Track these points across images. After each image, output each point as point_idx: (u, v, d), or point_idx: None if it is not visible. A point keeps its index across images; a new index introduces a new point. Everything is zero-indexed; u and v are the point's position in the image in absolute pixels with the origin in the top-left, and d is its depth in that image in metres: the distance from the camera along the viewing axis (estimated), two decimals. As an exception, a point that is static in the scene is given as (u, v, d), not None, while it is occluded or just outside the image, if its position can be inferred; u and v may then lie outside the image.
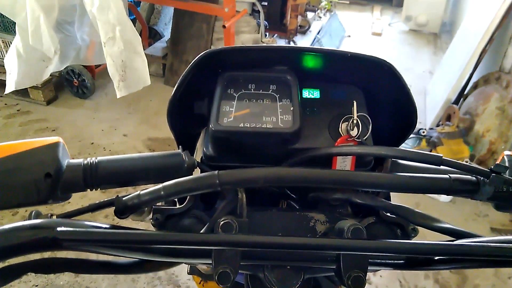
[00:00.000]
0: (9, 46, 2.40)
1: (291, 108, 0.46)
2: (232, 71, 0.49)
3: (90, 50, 2.48)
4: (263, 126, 0.45)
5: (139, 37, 2.04)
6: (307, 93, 0.50)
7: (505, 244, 0.36)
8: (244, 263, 0.39)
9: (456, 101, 2.54)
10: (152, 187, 0.39)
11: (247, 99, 0.48)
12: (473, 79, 2.52)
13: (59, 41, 2.19)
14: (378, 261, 0.41)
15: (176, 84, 0.48)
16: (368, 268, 0.38)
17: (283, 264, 0.43)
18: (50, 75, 2.39)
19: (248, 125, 0.45)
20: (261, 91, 0.48)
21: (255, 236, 0.36)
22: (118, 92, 2.10)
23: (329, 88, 0.50)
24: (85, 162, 0.44)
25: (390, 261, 0.41)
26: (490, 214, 2.13)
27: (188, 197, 0.45)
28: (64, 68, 2.59)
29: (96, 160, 0.44)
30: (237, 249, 0.38)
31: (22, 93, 2.77)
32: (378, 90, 0.50)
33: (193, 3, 2.58)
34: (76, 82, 2.89)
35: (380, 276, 1.81)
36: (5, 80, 2.08)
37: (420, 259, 0.41)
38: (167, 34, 3.43)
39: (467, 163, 0.40)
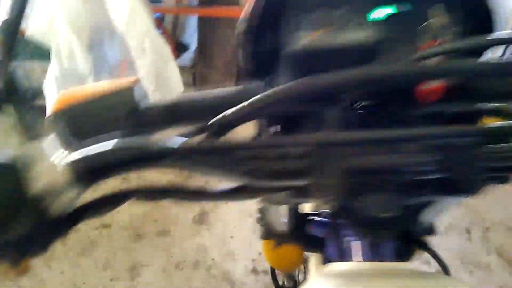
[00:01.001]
0: (46, 72, 2.50)
1: (368, 23, 0.45)
2: None
3: (122, 68, 2.54)
4: (344, 42, 0.43)
5: (168, 46, 2.07)
6: (385, 10, 0.47)
7: None
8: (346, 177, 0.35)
9: None
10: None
11: (323, 20, 0.46)
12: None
13: (92, 61, 2.26)
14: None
15: (244, 15, 0.49)
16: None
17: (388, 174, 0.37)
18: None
19: (328, 43, 0.43)
20: (336, 10, 0.47)
21: (361, 132, 0.33)
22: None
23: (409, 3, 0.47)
24: (165, 101, 0.43)
25: None
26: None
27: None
28: (99, 89, 2.66)
29: (176, 99, 0.43)
30: (341, 152, 0.34)
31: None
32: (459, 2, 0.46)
33: (215, 9, 2.59)
34: (112, 101, 2.95)
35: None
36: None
37: None
38: (193, 45, 3.47)
39: None
